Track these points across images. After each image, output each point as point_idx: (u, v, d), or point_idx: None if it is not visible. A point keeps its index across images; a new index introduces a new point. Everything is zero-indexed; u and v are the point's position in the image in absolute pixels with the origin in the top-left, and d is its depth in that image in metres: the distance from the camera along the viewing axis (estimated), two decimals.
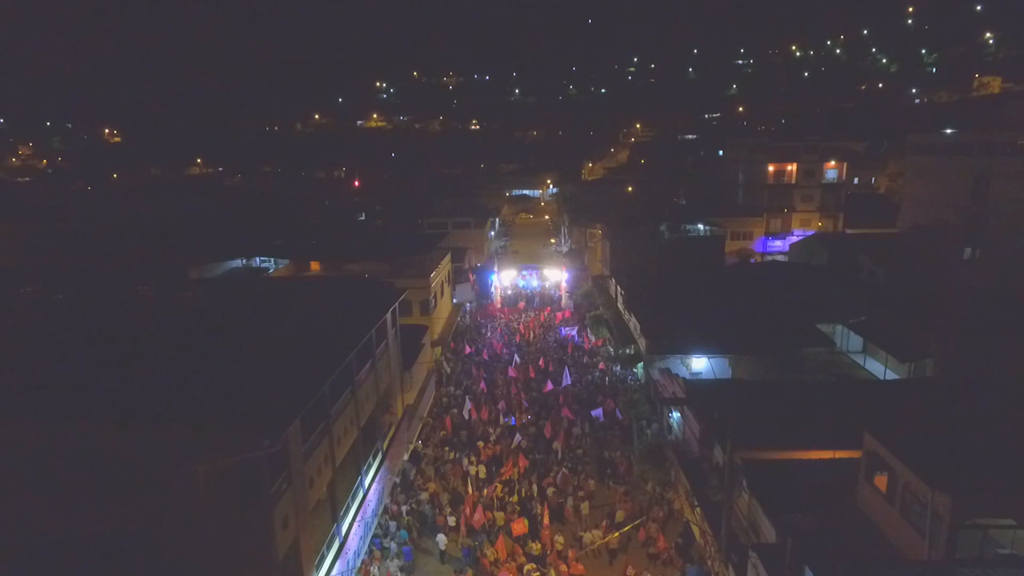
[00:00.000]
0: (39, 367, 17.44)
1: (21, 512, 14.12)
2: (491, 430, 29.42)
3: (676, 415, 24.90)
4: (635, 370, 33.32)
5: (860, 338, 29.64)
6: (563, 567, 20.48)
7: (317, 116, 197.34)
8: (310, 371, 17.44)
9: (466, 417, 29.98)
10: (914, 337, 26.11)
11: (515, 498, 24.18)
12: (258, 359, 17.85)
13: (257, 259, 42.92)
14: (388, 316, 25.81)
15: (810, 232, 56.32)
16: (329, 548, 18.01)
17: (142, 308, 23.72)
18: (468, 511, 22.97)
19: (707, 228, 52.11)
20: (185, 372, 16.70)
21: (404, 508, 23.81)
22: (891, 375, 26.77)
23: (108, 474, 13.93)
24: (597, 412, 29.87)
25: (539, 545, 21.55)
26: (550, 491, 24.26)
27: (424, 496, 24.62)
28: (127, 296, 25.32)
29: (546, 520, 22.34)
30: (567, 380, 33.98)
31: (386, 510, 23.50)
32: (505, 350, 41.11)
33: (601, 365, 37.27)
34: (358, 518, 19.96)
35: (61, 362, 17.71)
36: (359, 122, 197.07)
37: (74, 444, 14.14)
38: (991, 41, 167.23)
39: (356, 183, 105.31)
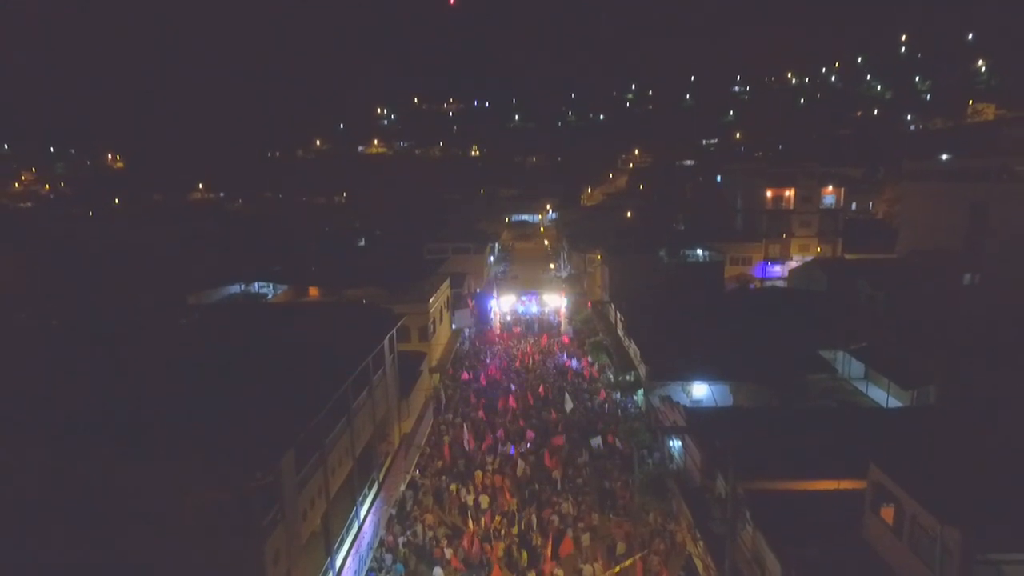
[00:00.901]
0: (30, 396, 17.18)
1: (11, 545, 13.75)
2: (489, 459, 28.96)
3: (677, 444, 24.52)
4: (635, 397, 32.97)
5: (862, 364, 29.37)
6: None
7: (318, 142, 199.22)
8: (305, 399, 17.18)
9: (464, 447, 29.55)
10: (917, 363, 25.86)
11: (515, 529, 23.69)
12: (252, 387, 17.60)
13: (256, 285, 42.85)
14: (386, 342, 25.59)
15: (809, 257, 56.35)
16: None
17: (137, 335, 23.52)
18: (467, 544, 22.48)
19: (706, 253, 52.12)
20: (177, 401, 16.46)
21: (400, 540, 23.29)
22: (894, 402, 26.45)
23: (97, 506, 13.59)
24: (596, 441, 29.45)
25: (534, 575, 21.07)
26: (554, 520, 23.83)
27: (421, 528, 24.11)
28: (123, 323, 25.15)
29: (548, 552, 21.86)
30: (568, 407, 33.64)
31: (382, 542, 22.97)
32: (503, 377, 40.76)
33: (602, 394, 36.89)
34: (353, 551, 19.50)
35: (53, 391, 17.46)
36: (360, 148, 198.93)
37: (64, 474, 13.84)
38: (983, 69, 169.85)
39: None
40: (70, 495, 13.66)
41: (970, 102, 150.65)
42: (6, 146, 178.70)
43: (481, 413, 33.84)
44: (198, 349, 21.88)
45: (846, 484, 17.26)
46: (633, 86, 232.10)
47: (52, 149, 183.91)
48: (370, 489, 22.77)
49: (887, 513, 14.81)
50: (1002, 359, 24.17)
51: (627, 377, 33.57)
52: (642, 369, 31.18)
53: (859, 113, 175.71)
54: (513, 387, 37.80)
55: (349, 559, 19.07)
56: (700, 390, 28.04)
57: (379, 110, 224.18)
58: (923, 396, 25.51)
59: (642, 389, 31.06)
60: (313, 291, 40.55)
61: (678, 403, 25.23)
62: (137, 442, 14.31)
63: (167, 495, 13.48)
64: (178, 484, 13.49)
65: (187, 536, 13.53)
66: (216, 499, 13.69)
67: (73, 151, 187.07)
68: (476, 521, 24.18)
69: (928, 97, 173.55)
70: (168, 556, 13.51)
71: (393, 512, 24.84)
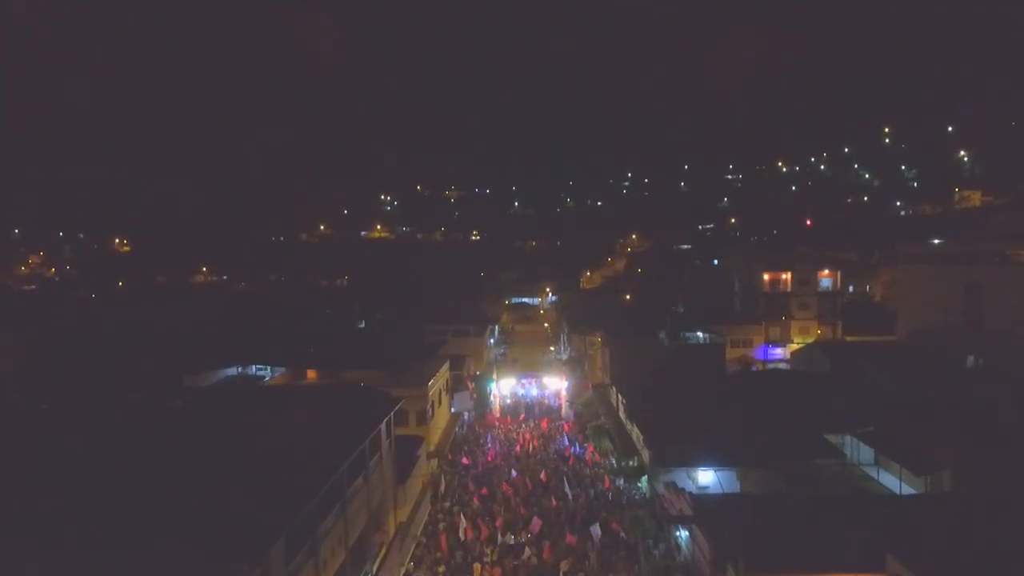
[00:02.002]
0: (19, 480, 16.66)
1: None
2: (488, 550, 27.64)
3: (684, 533, 23.50)
4: (639, 484, 31.92)
5: (871, 449, 28.63)
6: None
7: (323, 227, 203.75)
8: (298, 485, 16.62)
9: (461, 537, 28.28)
10: (928, 448, 25.20)
11: None
12: (244, 472, 17.07)
13: (253, 367, 42.52)
14: (383, 426, 25.08)
15: (809, 339, 56.24)
16: None
17: (130, 418, 23.11)
18: None
19: (707, 336, 52.08)
20: (166, 487, 15.92)
21: None
22: (907, 488, 25.57)
23: None
24: (595, 529, 28.20)
25: None
26: None
27: None
28: (117, 405, 24.79)
29: None
30: (568, 494, 32.50)
31: None
32: (503, 462, 39.61)
33: (606, 481, 35.68)
34: None
35: (41, 475, 16.94)
36: (363, 232, 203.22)
37: (50, 560, 13.20)
38: (966, 159, 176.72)
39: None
40: None
41: (956, 189, 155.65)
42: (16, 231, 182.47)
43: (479, 501, 32.63)
44: (190, 433, 21.41)
45: None
46: (629, 174, 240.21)
47: (61, 234, 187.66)
48: None
49: None
50: (1014, 443, 23.60)
51: (630, 463, 32.68)
52: (645, 454, 30.41)
53: (849, 199, 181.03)
54: (514, 473, 36.67)
55: None
56: (706, 476, 27.19)
57: (382, 196, 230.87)
58: (937, 482, 24.71)
59: (646, 475, 30.14)
60: (311, 373, 40.14)
61: (684, 490, 24.45)
62: (124, 529, 13.75)
63: None
64: (165, 573, 12.84)
65: None
66: None
67: (82, 236, 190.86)
68: None
69: (915, 184, 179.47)
70: None
71: None
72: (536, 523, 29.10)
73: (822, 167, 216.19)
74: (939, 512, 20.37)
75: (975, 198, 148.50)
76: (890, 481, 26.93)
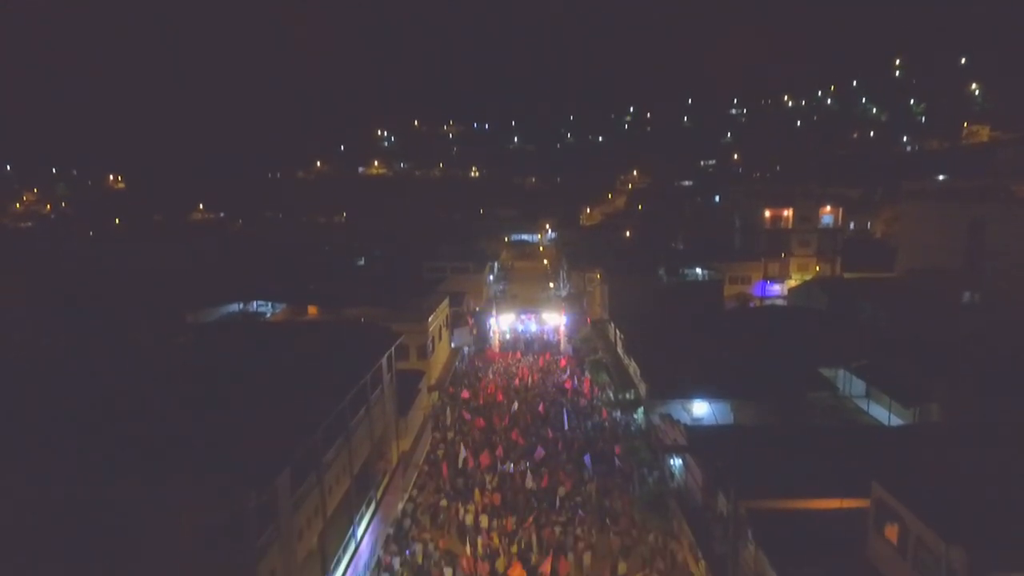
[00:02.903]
0: (27, 415, 17.06)
1: (8, 563, 13.55)
2: (488, 477, 28.66)
3: (678, 462, 24.29)
4: (635, 416, 32.75)
5: (863, 383, 29.21)
6: None
7: (319, 163, 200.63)
8: (302, 418, 17.05)
9: (460, 466, 29.26)
10: (918, 381, 25.73)
11: (515, 548, 23.37)
12: (248, 406, 17.48)
13: (254, 303, 42.76)
14: (384, 361, 25.48)
15: (808, 276, 56.41)
16: None
17: (132, 354, 23.42)
18: (465, 564, 22.17)
19: (705, 273, 52.17)
20: (173, 420, 16.33)
21: (397, 560, 22.95)
22: (896, 420, 26.26)
23: (92, 524, 13.41)
24: (586, 458, 29.20)
25: None
26: (556, 531, 23.57)
27: (419, 548, 23.77)
28: (118, 342, 25.06)
29: (547, 569, 21.58)
30: (566, 424, 33.41)
31: (379, 562, 22.63)
32: (503, 395, 40.54)
33: (603, 412, 36.65)
34: (350, 571, 19.19)
35: (49, 410, 17.33)
36: (360, 169, 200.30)
37: (58, 495, 13.68)
38: (977, 92, 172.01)
39: None
40: (65, 513, 13.47)
41: (965, 124, 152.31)
42: (8, 167, 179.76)
43: (479, 431, 33.59)
44: (195, 368, 21.77)
45: (849, 503, 17.07)
46: (631, 108, 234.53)
47: (54, 170, 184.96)
48: (367, 508, 22.49)
49: (890, 532, 14.62)
50: (1003, 377, 24.07)
51: (627, 395, 33.38)
52: (642, 387, 31.02)
53: (855, 135, 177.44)
54: (516, 404, 37.63)
55: None
56: (701, 408, 27.83)
57: (379, 132, 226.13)
58: (925, 414, 25.34)
59: (642, 407, 30.87)
60: (312, 310, 40.46)
61: (679, 421, 25.06)
62: (133, 461, 14.17)
63: (162, 514, 13.31)
64: (173, 503, 13.33)
65: (182, 555, 13.32)
66: (211, 518, 13.51)
67: (75, 172, 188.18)
68: (473, 542, 23.85)
69: (923, 119, 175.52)
70: (164, 573, 13.29)
71: (391, 531, 24.52)
72: (540, 452, 30.08)
73: (829, 101, 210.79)
74: (923, 441, 20.99)
75: (983, 133, 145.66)
76: (879, 413, 27.61)
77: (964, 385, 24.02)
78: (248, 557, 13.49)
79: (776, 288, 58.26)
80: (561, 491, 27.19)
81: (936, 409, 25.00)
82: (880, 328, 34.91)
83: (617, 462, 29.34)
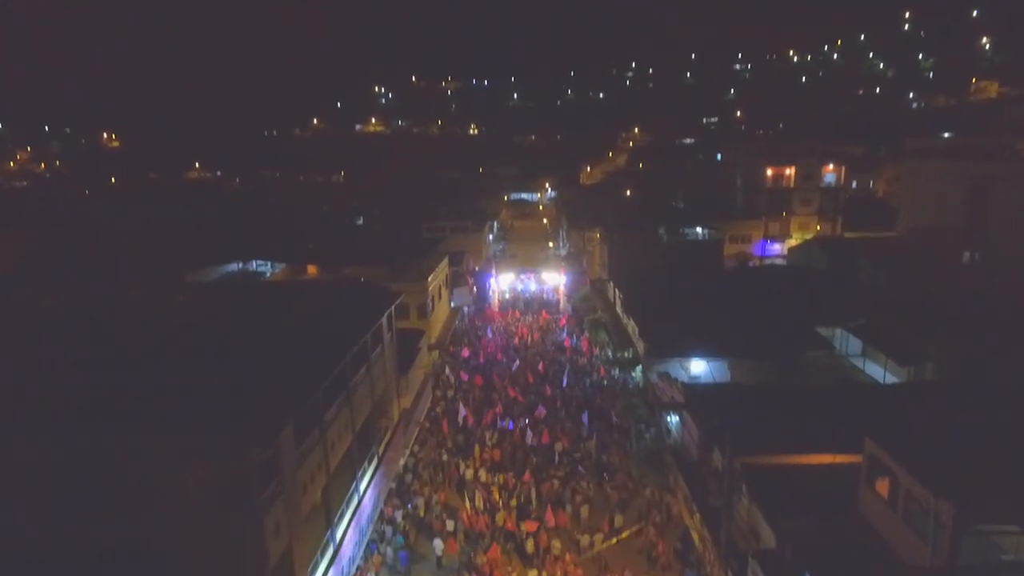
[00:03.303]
0: (30, 375, 17.21)
1: (12, 518, 13.88)
2: (488, 434, 29.17)
3: (675, 419, 24.67)
4: (633, 374, 33.10)
5: (860, 342, 29.43)
6: (557, 571, 20.27)
7: (316, 120, 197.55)
8: (304, 376, 17.23)
9: (460, 424, 29.73)
10: (914, 341, 25.92)
11: (513, 502, 23.95)
12: (251, 364, 17.63)
13: (254, 263, 42.73)
14: (384, 320, 25.60)
15: (809, 235, 56.17)
16: (323, 555, 17.74)
17: (134, 313, 23.49)
18: (465, 517, 22.76)
19: (705, 232, 51.93)
20: (176, 378, 16.49)
21: (400, 513, 23.55)
22: (891, 379, 26.56)
23: (98, 480, 13.69)
24: (584, 416, 29.70)
25: (532, 543, 21.38)
26: (554, 483, 24.17)
27: (420, 501, 24.36)
28: (120, 301, 25.10)
29: (551, 519, 22.22)
30: (565, 382, 33.85)
31: (382, 515, 23.23)
32: (503, 354, 40.91)
33: (601, 370, 37.04)
34: (353, 524, 19.71)
35: (50, 368, 17.48)
36: (357, 127, 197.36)
37: (64, 449, 13.93)
38: (988, 47, 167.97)
39: None
40: (72, 471, 13.74)
41: (973, 80, 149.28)
42: (1, 125, 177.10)
43: (479, 389, 34.02)
44: (197, 327, 21.88)
45: (842, 459, 17.39)
46: (633, 64, 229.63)
47: (47, 128, 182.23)
48: (370, 463, 22.95)
49: (882, 486, 14.95)
50: (998, 336, 24.24)
51: (625, 354, 33.67)
52: (640, 346, 31.26)
53: (861, 91, 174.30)
54: (517, 362, 38.05)
55: (349, 531, 19.29)
56: (698, 367, 28.13)
57: (376, 88, 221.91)
58: (920, 373, 25.62)
59: (640, 366, 31.17)
60: (311, 269, 40.46)
61: (676, 379, 25.36)
62: (138, 418, 14.37)
63: (168, 469, 13.56)
64: (179, 458, 13.57)
65: (189, 509, 13.64)
66: (217, 473, 13.79)
67: (69, 130, 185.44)
68: (472, 497, 24.42)
69: (931, 75, 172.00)
70: (170, 529, 13.64)
71: (393, 486, 25.09)
72: (541, 411, 30.56)
73: (835, 56, 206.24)
74: (917, 399, 21.27)
75: (992, 89, 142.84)
76: (875, 372, 27.92)
77: (959, 344, 24.20)
78: (253, 510, 13.83)
79: (776, 247, 58.12)
80: (558, 447, 27.73)
81: (931, 368, 25.26)
82: (879, 288, 34.97)
83: (615, 419, 29.81)
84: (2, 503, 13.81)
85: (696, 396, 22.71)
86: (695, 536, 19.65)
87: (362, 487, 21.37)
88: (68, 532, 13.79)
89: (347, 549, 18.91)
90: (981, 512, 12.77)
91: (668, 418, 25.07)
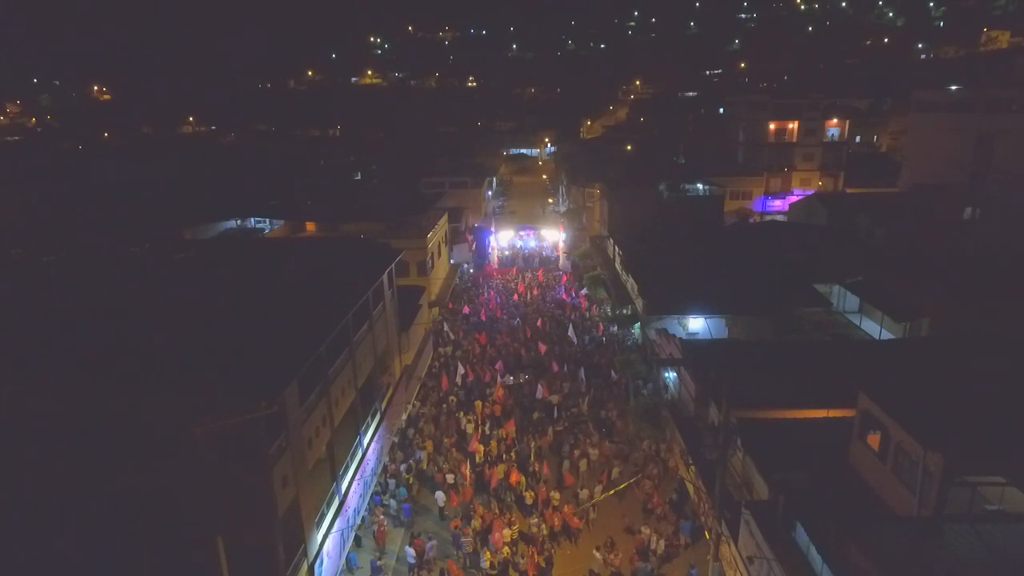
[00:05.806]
0: (31, 332, 17.36)
1: (23, 476, 14.25)
2: (488, 390, 29.63)
3: (672, 375, 25.06)
4: (632, 330, 33.42)
5: (857, 298, 29.63)
6: (555, 520, 20.93)
7: (310, 72, 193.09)
8: (307, 333, 17.42)
9: (458, 383, 30.14)
10: (911, 297, 26.09)
11: (513, 455, 24.53)
12: (254, 321, 17.79)
13: (252, 220, 42.54)
14: (385, 277, 25.70)
15: (810, 191, 55.77)
16: (329, 506, 18.31)
17: (135, 270, 23.53)
18: (466, 471, 23.37)
19: (706, 188, 51.51)
20: (181, 335, 16.65)
21: (403, 466, 24.15)
22: (887, 335, 26.86)
23: (107, 437, 13.99)
24: (582, 372, 30.15)
25: (532, 494, 22.01)
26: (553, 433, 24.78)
27: (423, 454, 24.94)
28: (120, 258, 25.08)
29: (547, 470, 22.81)
30: (574, 339, 34.31)
31: (385, 468, 23.83)
32: (502, 311, 41.17)
33: (600, 327, 37.37)
34: (358, 477, 20.25)
35: (53, 326, 17.62)
36: (353, 79, 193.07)
37: (72, 408, 14.17)
38: None
39: None
40: (77, 426, 14.01)
41: (984, 30, 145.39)
42: None
43: (478, 348, 34.37)
44: (198, 283, 21.96)
45: (835, 413, 17.80)
46: (635, 13, 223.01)
47: (35, 80, 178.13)
48: (373, 418, 23.42)
49: (873, 440, 15.33)
50: (995, 291, 24.38)
51: (624, 311, 33.90)
52: (639, 303, 31.46)
53: (869, 42, 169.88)
54: (517, 320, 38.34)
55: (354, 484, 19.85)
56: (696, 323, 28.39)
57: (372, 39, 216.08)
58: (916, 329, 25.87)
59: (639, 323, 31.44)
60: (310, 226, 40.32)
61: (674, 336, 25.63)
62: (143, 374, 14.57)
63: (175, 424, 13.82)
64: (186, 413, 13.81)
65: (196, 463, 13.97)
66: (223, 427, 14.06)
67: (58, 82, 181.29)
68: (473, 449, 24.96)
69: (941, 24, 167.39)
70: (178, 482, 14.01)
71: (395, 440, 25.65)
72: (554, 367, 30.99)
73: (843, 4, 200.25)
74: (911, 354, 21.58)
75: (1003, 39, 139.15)
76: (871, 327, 28.20)
77: (954, 300, 24.37)
78: (261, 463, 14.20)
79: (777, 204, 57.77)
80: (555, 399, 28.23)
81: (927, 324, 25.50)
82: (877, 244, 34.96)
83: (613, 374, 30.25)
84: (13, 460, 14.14)
85: (693, 352, 23.03)
86: (690, 488, 20.23)
87: (365, 441, 21.86)
88: (76, 489, 14.12)
89: (352, 500, 19.50)
90: (968, 463, 13.15)
91: (666, 374, 25.45)
